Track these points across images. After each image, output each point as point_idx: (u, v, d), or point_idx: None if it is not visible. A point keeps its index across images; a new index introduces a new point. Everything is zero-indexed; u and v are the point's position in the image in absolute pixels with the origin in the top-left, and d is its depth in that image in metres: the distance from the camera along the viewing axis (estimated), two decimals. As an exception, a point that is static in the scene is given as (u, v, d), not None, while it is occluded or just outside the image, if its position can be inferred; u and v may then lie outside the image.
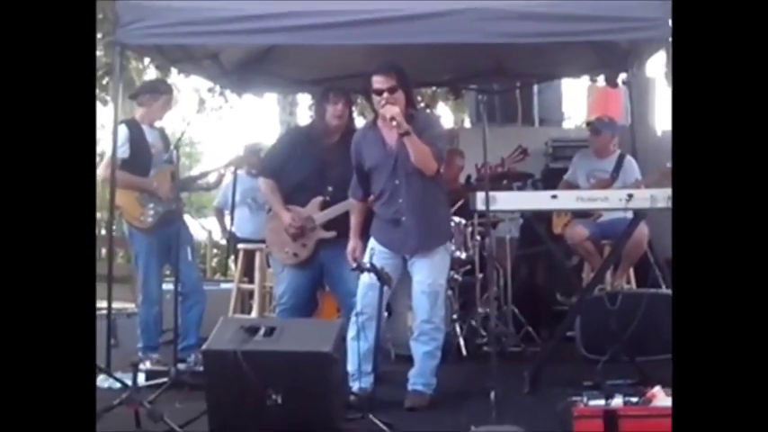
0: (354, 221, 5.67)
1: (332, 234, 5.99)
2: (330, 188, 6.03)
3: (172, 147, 6.56)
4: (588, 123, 8.39)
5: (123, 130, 6.47)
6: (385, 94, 5.31)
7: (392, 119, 5.21)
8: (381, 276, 5.04)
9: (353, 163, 5.57)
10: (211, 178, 7.41)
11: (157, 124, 6.78)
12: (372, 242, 5.51)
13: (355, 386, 5.23)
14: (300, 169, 6.05)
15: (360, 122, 8.23)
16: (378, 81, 5.34)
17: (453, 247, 6.46)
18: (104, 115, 11.31)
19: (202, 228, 11.77)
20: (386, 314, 5.85)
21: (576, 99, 13.67)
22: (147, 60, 11.71)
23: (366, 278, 5.28)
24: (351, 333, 5.29)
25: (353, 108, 6.67)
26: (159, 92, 6.75)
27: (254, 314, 7.73)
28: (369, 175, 5.53)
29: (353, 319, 5.33)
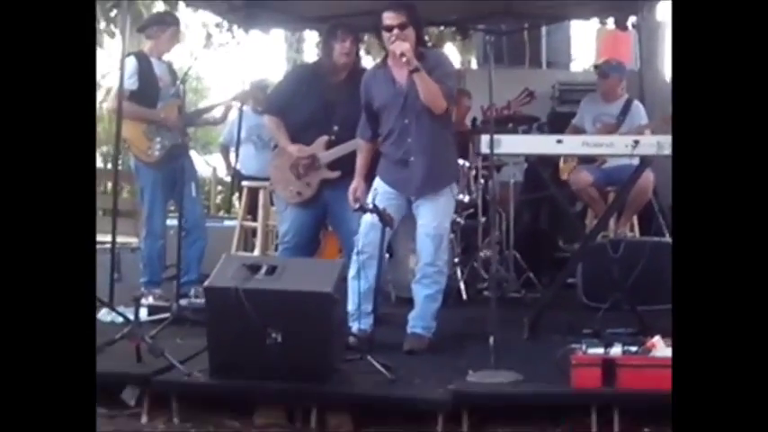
0: (360, 161, 5.63)
1: (336, 174, 5.96)
2: (336, 127, 5.98)
3: (178, 81, 6.53)
4: (596, 66, 8.31)
5: (132, 62, 6.45)
6: (395, 31, 5.25)
7: (402, 55, 5.14)
8: (383, 217, 5.03)
9: (362, 102, 5.52)
10: (217, 113, 7.38)
11: (165, 58, 6.74)
12: (377, 182, 5.47)
13: (354, 327, 5.22)
14: (306, 107, 6.00)
15: (366, 62, 8.17)
16: (388, 17, 5.28)
17: (457, 190, 6.44)
18: (112, 47, 11.24)
19: (207, 164, 11.72)
20: (387, 256, 5.85)
21: (584, 42, 13.53)
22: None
23: (369, 218, 5.26)
24: (351, 272, 5.29)
25: (360, 47, 6.59)
26: (166, 23, 6.71)
27: (256, 252, 7.75)
28: (378, 115, 5.49)
29: (354, 257, 5.33)
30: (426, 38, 6.15)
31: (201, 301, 4.87)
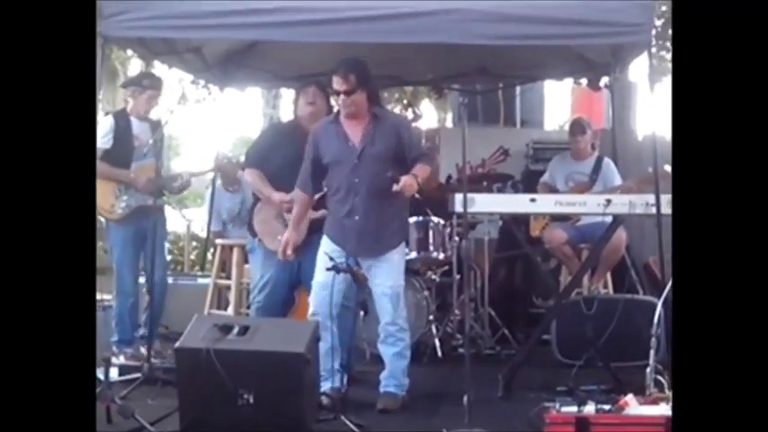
0: (296, 213, 5.58)
1: (321, 212, 5.89)
2: None
3: (150, 141, 6.46)
4: (573, 123, 8.35)
5: (109, 121, 6.51)
6: (342, 96, 5.27)
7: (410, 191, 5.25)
8: (357, 277, 5.03)
9: (310, 156, 5.49)
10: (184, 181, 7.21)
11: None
12: (324, 240, 5.43)
13: (326, 386, 5.18)
14: (284, 159, 6.00)
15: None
16: (336, 82, 5.30)
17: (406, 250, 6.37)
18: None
19: (183, 218, 11.61)
20: (361, 313, 5.82)
21: (557, 101, 13.66)
22: (130, 51, 11.61)
23: (320, 278, 5.24)
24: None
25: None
26: (143, 87, 6.70)
27: (230, 310, 7.69)
28: (326, 170, 5.46)
29: None
30: (398, 95, 6.19)
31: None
